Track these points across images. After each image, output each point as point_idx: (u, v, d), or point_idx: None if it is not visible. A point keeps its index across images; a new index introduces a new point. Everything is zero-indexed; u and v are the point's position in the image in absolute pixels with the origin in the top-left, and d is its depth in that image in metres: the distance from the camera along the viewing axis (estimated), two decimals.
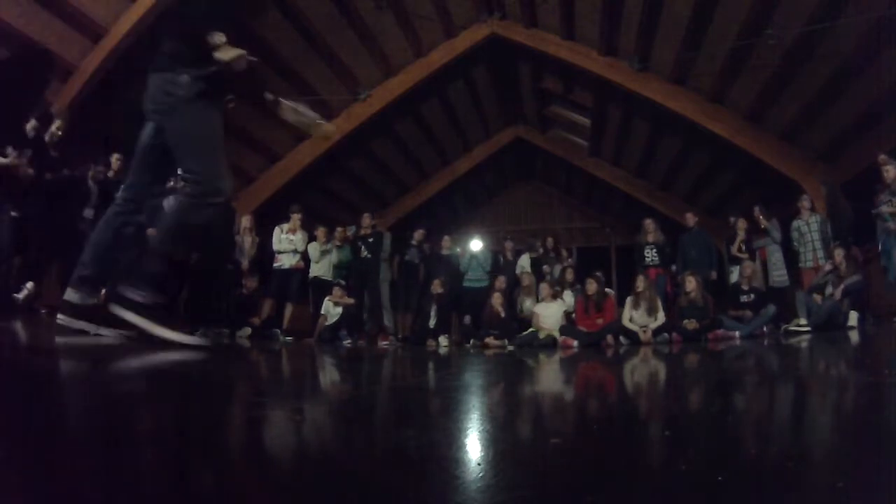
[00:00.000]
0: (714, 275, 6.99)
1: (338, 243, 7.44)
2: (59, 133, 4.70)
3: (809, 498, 0.58)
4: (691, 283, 6.07)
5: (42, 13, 5.70)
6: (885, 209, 5.47)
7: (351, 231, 7.81)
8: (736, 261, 6.83)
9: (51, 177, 4.56)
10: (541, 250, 8.09)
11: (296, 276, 7.00)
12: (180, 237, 2.23)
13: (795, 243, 6.58)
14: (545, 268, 7.71)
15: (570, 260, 8.23)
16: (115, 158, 5.92)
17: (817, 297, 5.71)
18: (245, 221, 7.03)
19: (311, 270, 7.19)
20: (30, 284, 4.36)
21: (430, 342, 6.55)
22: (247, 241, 6.87)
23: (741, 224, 7.00)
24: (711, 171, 9.60)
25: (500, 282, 7.01)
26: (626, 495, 0.61)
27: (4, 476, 0.60)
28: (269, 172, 9.16)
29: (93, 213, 5.43)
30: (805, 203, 6.59)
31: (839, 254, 5.81)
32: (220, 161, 2.17)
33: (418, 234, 7.94)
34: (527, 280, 7.12)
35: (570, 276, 7.21)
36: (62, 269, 5.25)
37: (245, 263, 6.75)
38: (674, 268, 7.20)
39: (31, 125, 4.39)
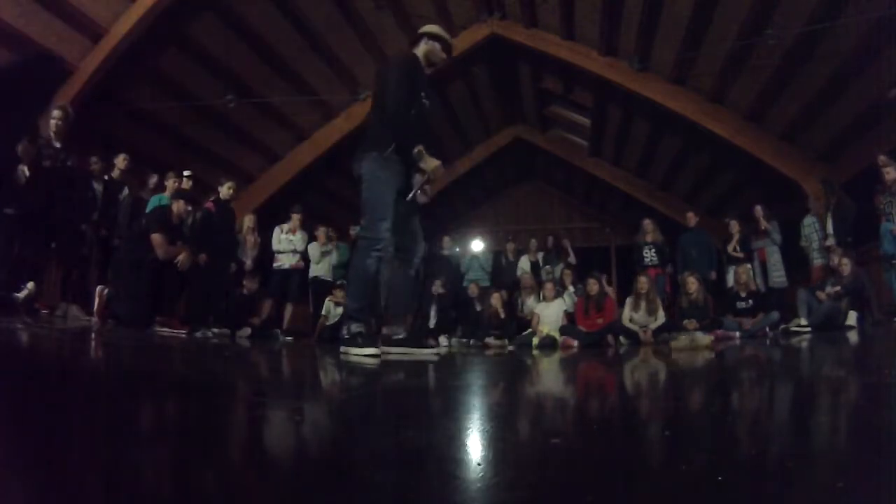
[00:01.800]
0: (714, 275, 6.99)
1: (332, 244, 7.38)
2: (59, 124, 4.69)
3: (809, 498, 0.58)
4: (693, 284, 6.06)
5: (42, 13, 5.70)
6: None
7: (355, 231, 7.81)
8: (733, 261, 6.84)
9: (50, 165, 4.52)
10: (539, 254, 8.08)
11: (296, 276, 7.00)
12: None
13: (805, 240, 6.57)
14: (546, 268, 7.70)
15: (571, 255, 8.20)
16: (121, 159, 5.91)
17: (821, 294, 5.72)
18: (248, 221, 7.03)
19: (311, 270, 7.19)
20: (30, 284, 4.35)
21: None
22: (249, 241, 6.88)
23: (735, 226, 7.00)
24: (711, 171, 9.60)
25: (496, 292, 7.00)
26: (626, 495, 0.61)
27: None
28: (269, 172, 9.17)
29: (97, 215, 5.43)
30: (816, 203, 6.60)
31: (837, 254, 5.82)
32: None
33: None
34: (528, 280, 7.12)
35: (568, 277, 7.21)
36: (62, 270, 5.26)
37: (248, 263, 6.76)
38: (669, 268, 7.20)
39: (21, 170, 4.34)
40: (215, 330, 5.50)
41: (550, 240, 8.37)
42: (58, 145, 4.64)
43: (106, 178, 5.68)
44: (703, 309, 6.01)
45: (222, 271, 6.05)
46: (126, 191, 5.87)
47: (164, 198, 5.75)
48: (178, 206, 5.05)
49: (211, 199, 6.12)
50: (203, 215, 5.92)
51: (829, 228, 6.19)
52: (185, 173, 5.98)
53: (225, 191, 6.09)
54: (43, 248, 4.75)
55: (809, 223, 6.58)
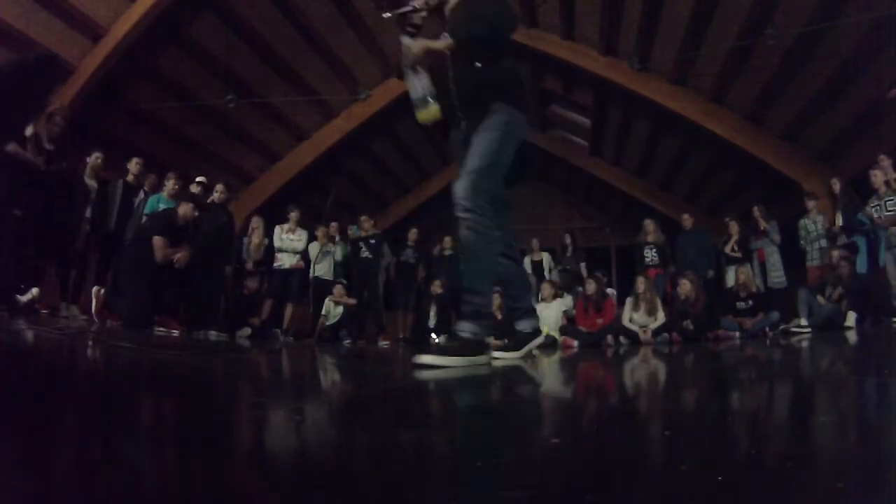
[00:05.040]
0: (711, 273, 7.00)
1: (326, 246, 7.31)
2: (57, 128, 4.71)
3: (809, 498, 0.58)
4: (685, 287, 6.07)
5: (42, 13, 5.70)
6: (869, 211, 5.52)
7: (354, 231, 7.82)
8: (731, 261, 6.84)
9: (47, 169, 4.54)
10: (545, 254, 8.02)
11: (296, 276, 7.00)
12: None
13: (802, 241, 6.58)
14: (558, 268, 7.67)
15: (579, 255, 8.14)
16: (133, 163, 5.90)
17: (821, 298, 5.72)
18: (254, 222, 7.05)
19: (311, 270, 7.19)
20: (35, 290, 4.36)
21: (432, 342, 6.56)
22: (254, 242, 6.87)
23: (734, 227, 7.01)
24: (711, 171, 9.60)
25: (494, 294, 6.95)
26: (626, 495, 0.61)
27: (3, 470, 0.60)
28: (269, 172, 9.17)
29: (89, 212, 5.42)
30: (811, 203, 6.60)
31: (836, 255, 5.82)
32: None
33: (412, 234, 7.98)
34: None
35: (560, 280, 7.22)
36: (61, 269, 5.25)
37: (249, 264, 6.76)
38: (671, 268, 7.20)
39: (29, 130, 4.35)
40: (213, 332, 5.49)
41: (568, 238, 8.16)
42: (50, 147, 4.65)
43: (121, 181, 5.69)
44: (694, 311, 6.01)
45: (216, 273, 6.02)
46: (142, 194, 5.86)
47: (162, 198, 5.75)
48: (186, 210, 5.06)
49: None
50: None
51: (839, 222, 6.17)
52: (199, 179, 6.02)
53: (217, 195, 6.10)
54: (42, 249, 4.75)
55: (804, 225, 6.59)
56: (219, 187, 6.17)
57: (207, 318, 5.55)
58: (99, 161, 5.51)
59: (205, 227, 5.82)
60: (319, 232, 7.27)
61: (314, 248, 7.17)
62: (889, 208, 5.48)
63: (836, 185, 6.36)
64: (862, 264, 5.61)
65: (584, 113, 10.04)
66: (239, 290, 6.66)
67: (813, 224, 6.50)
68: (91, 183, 5.42)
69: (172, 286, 5.03)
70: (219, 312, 6.05)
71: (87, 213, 5.34)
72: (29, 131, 4.38)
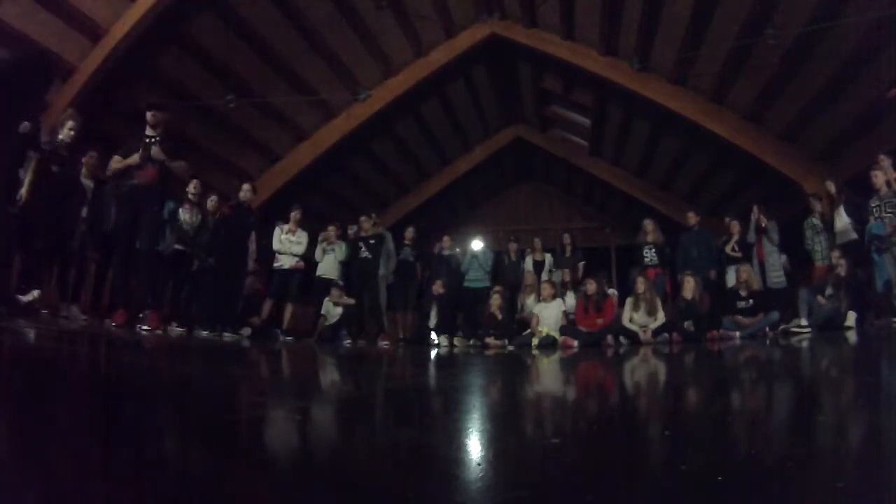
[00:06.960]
0: (714, 274, 6.99)
1: (330, 245, 7.28)
2: (73, 133, 4.73)
3: (809, 498, 0.58)
4: (689, 285, 6.06)
5: (42, 13, 5.70)
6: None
7: (353, 231, 7.81)
8: (732, 261, 6.83)
9: (57, 170, 4.55)
10: (547, 255, 7.98)
11: (296, 276, 6.99)
12: None
13: (808, 241, 6.57)
14: (556, 272, 7.64)
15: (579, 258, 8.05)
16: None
17: (821, 299, 5.71)
18: None
19: (317, 270, 7.18)
20: (36, 292, 4.35)
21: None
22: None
23: (734, 227, 7.00)
24: (711, 171, 9.60)
25: (494, 293, 6.87)
26: (626, 495, 0.61)
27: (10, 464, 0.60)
28: (269, 172, 9.16)
29: (87, 212, 5.39)
30: (817, 203, 6.58)
31: (836, 255, 5.81)
32: None
33: (409, 233, 7.99)
34: (530, 279, 7.11)
35: (568, 277, 7.19)
36: (61, 269, 5.25)
37: (251, 264, 6.75)
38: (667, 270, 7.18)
39: (24, 126, 4.32)
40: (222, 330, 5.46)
41: (567, 237, 7.94)
42: (64, 154, 4.66)
43: (128, 185, 5.68)
44: (699, 309, 6.00)
45: (237, 274, 6.00)
46: None
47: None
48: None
49: (230, 202, 6.15)
50: (218, 219, 5.94)
51: (839, 225, 6.14)
52: (246, 186, 6.12)
53: (244, 193, 6.08)
54: (43, 248, 4.75)
55: (811, 224, 6.57)
56: (246, 186, 6.13)
57: (225, 317, 5.51)
58: (94, 160, 5.50)
59: (231, 227, 5.82)
60: (323, 234, 7.24)
61: (317, 249, 7.15)
62: (888, 209, 5.47)
63: (831, 187, 6.36)
64: (882, 273, 5.49)
65: (584, 113, 10.03)
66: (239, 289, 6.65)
67: (821, 223, 6.47)
68: (87, 183, 5.41)
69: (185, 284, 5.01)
70: (236, 312, 6.00)
71: (84, 212, 5.33)
72: (45, 139, 4.38)
